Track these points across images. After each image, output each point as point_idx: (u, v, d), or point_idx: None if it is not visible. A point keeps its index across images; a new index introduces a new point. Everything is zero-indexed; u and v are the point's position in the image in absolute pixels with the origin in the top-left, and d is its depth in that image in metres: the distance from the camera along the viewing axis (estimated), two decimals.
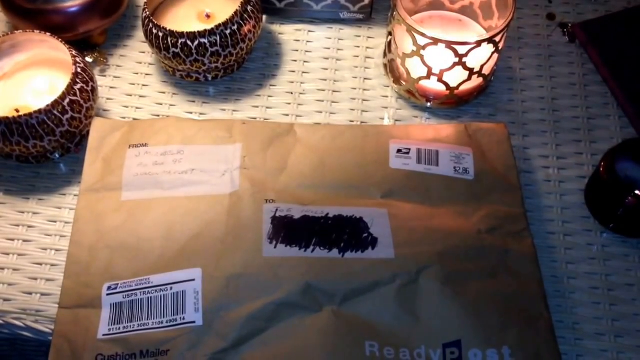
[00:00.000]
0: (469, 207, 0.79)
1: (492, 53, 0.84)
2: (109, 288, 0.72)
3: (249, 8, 0.87)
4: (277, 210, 0.77)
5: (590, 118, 0.90)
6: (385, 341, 0.70)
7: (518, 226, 0.78)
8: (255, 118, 0.90)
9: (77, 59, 0.82)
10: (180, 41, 0.85)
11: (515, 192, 0.81)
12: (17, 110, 0.83)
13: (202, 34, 0.85)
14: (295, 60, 0.95)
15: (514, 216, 0.79)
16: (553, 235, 0.82)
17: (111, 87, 0.92)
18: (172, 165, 0.81)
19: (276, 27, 0.98)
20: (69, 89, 0.80)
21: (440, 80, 0.86)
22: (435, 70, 0.85)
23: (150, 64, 0.94)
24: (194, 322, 0.70)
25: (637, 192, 0.77)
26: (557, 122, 0.90)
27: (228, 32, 0.85)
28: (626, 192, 0.77)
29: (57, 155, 0.85)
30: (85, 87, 0.81)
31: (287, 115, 0.90)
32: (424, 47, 0.82)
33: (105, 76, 0.93)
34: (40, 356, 0.83)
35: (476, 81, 0.87)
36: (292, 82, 0.93)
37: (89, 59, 0.92)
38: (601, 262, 0.80)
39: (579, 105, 0.92)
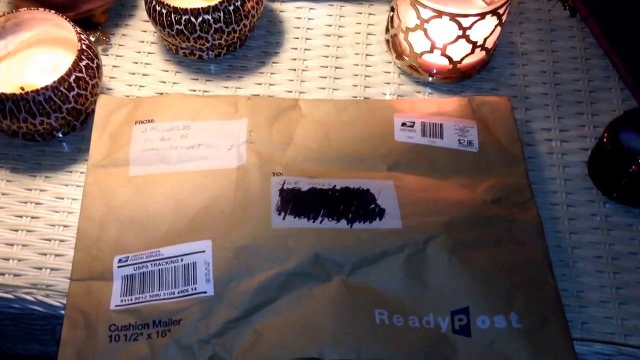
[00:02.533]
0: (474, 179, 0.80)
1: (496, 26, 0.84)
2: (120, 261, 0.73)
3: None
4: (284, 183, 0.77)
5: (592, 91, 0.91)
6: (394, 309, 0.70)
7: (523, 197, 0.79)
8: (258, 95, 0.90)
9: (82, 36, 0.82)
10: (184, 18, 0.85)
11: (519, 164, 0.81)
12: (23, 89, 0.83)
13: (206, 11, 0.85)
14: (298, 38, 0.96)
15: (519, 187, 0.79)
16: (557, 206, 0.82)
17: (114, 66, 0.92)
18: (179, 140, 0.81)
19: (277, 6, 0.98)
20: (75, 66, 0.80)
21: (443, 54, 0.86)
22: (439, 44, 0.85)
23: (152, 43, 0.95)
24: (205, 292, 0.71)
25: None
26: (559, 96, 0.91)
27: (232, 8, 0.86)
28: (630, 162, 0.78)
29: (63, 134, 0.85)
30: (91, 64, 0.82)
31: (291, 92, 0.91)
32: (427, 21, 0.83)
33: (108, 55, 0.93)
34: (46, 334, 0.84)
35: (479, 55, 0.88)
36: (295, 60, 0.94)
37: (91, 39, 0.92)
38: (605, 232, 0.81)
39: (581, 78, 0.92)
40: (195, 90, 0.90)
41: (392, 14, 0.90)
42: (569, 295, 0.76)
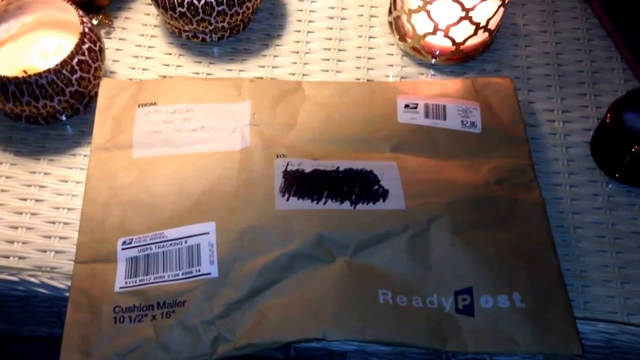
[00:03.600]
0: (477, 160, 0.80)
1: (499, 7, 0.84)
2: (124, 243, 0.73)
3: None
4: (288, 164, 0.77)
5: (594, 72, 0.91)
6: (398, 289, 0.71)
7: (526, 177, 0.79)
8: (261, 78, 0.90)
9: (84, 19, 0.82)
10: (186, 0, 0.85)
11: (522, 144, 0.82)
12: (25, 72, 0.83)
13: None
14: (300, 20, 0.96)
15: (522, 168, 0.80)
16: (559, 186, 0.82)
17: (117, 49, 0.92)
18: (182, 123, 0.81)
19: None
20: (78, 49, 0.80)
21: (446, 35, 0.86)
22: (442, 26, 0.85)
23: (155, 26, 0.95)
24: (209, 273, 0.71)
25: None
26: (561, 77, 0.91)
27: None
28: (632, 142, 0.78)
29: (66, 117, 0.85)
30: (93, 47, 0.82)
31: (294, 74, 0.91)
32: (430, 2, 0.83)
33: (110, 38, 0.93)
34: (53, 317, 0.84)
35: (482, 36, 0.87)
36: (298, 42, 0.94)
37: (94, 21, 0.92)
38: (607, 211, 0.81)
39: (583, 59, 0.92)
40: (198, 73, 0.90)
41: None
42: (571, 274, 0.76)
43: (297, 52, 0.93)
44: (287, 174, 0.77)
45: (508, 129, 0.82)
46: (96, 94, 0.85)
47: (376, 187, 0.76)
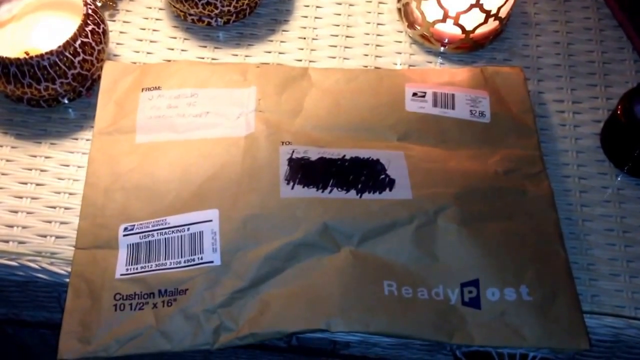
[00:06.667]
0: (486, 150, 0.79)
1: None
2: (125, 229, 0.72)
3: None
4: (293, 151, 0.76)
5: (605, 62, 0.90)
6: (403, 280, 0.70)
7: (534, 168, 0.78)
8: (267, 63, 0.89)
9: (88, 1, 0.81)
10: None
11: (531, 135, 0.80)
12: (27, 53, 0.82)
13: None
14: (308, 6, 0.94)
15: (531, 158, 0.78)
16: (568, 178, 0.81)
17: (121, 32, 0.91)
18: (186, 108, 0.80)
19: None
20: (81, 30, 0.79)
21: (456, 23, 0.85)
22: (452, 13, 0.84)
23: (160, 9, 0.93)
24: (212, 262, 0.70)
25: None
26: (572, 67, 0.89)
27: None
28: None
29: (68, 100, 0.84)
30: (97, 29, 0.80)
31: (300, 60, 0.89)
32: None
33: (114, 21, 0.92)
34: (52, 301, 0.83)
35: (492, 24, 0.86)
36: (305, 28, 0.92)
37: (97, 4, 0.91)
38: (616, 204, 0.80)
39: (594, 49, 0.91)
40: (203, 58, 0.89)
41: None
42: (579, 267, 0.75)
43: (304, 38, 0.91)
44: (292, 162, 0.75)
45: (517, 119, 0.81)
46: (99, 77, 0.83)
47: (382, 176, 0.75)
